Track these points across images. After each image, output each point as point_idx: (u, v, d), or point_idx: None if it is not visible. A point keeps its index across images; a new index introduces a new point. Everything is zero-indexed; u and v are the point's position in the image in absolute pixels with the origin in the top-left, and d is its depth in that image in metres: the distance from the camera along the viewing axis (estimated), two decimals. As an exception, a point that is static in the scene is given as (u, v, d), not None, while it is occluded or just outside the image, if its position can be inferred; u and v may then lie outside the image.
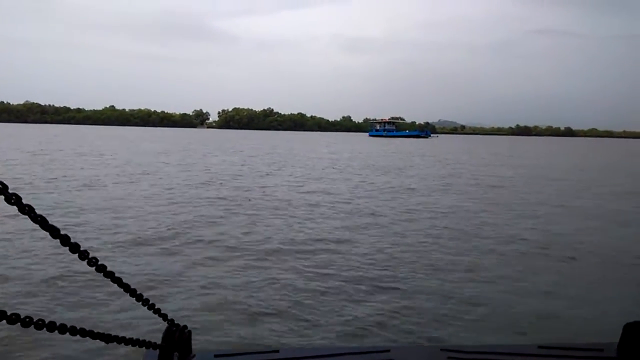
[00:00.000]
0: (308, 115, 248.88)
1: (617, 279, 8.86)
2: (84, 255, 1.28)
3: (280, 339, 5.95)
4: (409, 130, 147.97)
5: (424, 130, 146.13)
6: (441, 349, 1.86)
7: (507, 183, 25.03)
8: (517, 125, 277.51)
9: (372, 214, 14.93)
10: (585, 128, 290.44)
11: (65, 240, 1.17)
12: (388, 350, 1.81)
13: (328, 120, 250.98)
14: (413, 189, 21.66)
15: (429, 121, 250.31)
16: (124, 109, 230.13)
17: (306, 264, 9.22)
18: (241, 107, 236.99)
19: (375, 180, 25.02)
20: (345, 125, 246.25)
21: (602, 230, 13.37)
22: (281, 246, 10.49)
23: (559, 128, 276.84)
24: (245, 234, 11.59)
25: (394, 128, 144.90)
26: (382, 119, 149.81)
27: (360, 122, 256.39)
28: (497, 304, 7.33)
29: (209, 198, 17.19)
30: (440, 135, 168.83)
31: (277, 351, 1.90)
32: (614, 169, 38.80)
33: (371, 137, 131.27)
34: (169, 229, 11.87)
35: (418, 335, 6.06)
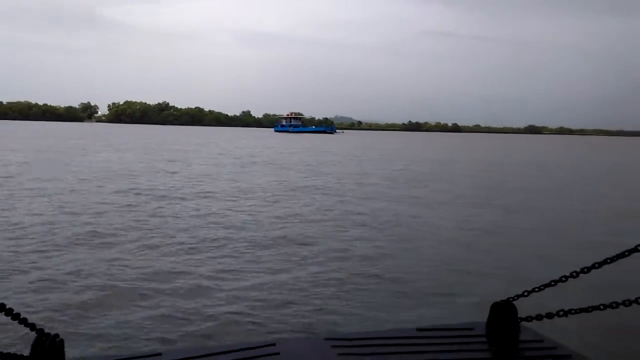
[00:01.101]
0: (206, 109, 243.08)
1: (485, 261, 9.32)
2: None
3: (163, 341, 5.66)
4: (315, 126, 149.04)
5: (329, 126, 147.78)
6: (325, 339, 1.90)
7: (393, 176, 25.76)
8: (409, 121, 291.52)
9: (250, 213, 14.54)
10: (470, 124, 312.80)
11: None
12: (273, 344, 1.83)
13: (227, 115, 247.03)
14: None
15: (327, 117, 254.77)
16: (0, 102, 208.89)
17: (185, 262, 8.76)
18: (134, 100, 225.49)
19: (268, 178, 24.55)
20: (245, 121, 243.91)
21: (469, 216, 14.07)
22: (156, 246, 9.86)
23: (447, 124, 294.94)
24: (120, 234, 10.75)
25: (300, 123, 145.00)
26: (288, 114, 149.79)
27: (259, 117, 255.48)
28: (373, 291, 7.47)
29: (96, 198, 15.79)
30: (345, 131, 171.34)
31: (160, 354, 1.82)
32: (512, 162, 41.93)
33: (277, 133, 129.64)
34: (29, 230, 10.72)
35: (302, 327, 6.09)
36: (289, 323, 6.20)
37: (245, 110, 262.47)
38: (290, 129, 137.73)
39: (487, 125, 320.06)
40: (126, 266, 8.38)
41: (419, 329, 2.02)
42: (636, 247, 1.81)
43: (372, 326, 6.01)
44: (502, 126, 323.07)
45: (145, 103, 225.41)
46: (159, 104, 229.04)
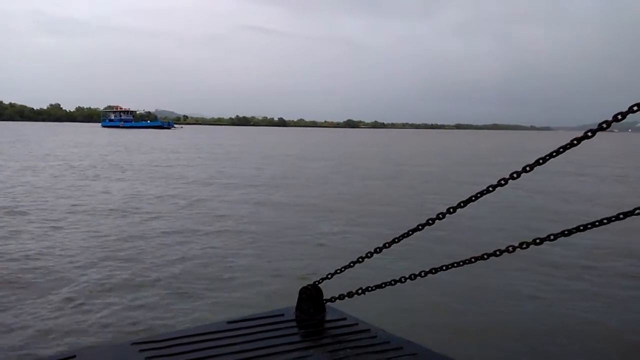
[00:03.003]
0: (6, 102, 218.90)
1: (290, 249, 9.84)
2: None
3: None
4: (149, 121, 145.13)
5: (166, 122, 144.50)
6: (132, 344, 1.87)
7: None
8: (237, 116, 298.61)
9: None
10: (295, 119, 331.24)
11: None
12: (74, 356, 1.71)
13: (33, 109, 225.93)
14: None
15: (149, 111, 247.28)
16: None
17: None
18: None
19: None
20: (55, 115, 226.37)
21: (262, 207, 14.78)
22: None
23: (273, 119, 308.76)
24: None
25: (132, 118, 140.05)
26: (118, 107, 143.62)
27: (72, 110, 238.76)
28: (179, 290, 7.42)
29: None
30: (184, 127, 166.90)
31: None
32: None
33: (106, 128, 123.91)
34: None
35: (107, 334, 5.84)
36: (91, 332, 5.86)
37: (53, 103, 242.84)
38: (121, 124, 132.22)
39: (311, 119, 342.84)
40: None
41: (229, 322, 2.08)
42: (411, 229, 2.14)
43: (183, 325, 5.91)
44: (324, 120, 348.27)
45: None
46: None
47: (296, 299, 2.25)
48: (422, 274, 2.11)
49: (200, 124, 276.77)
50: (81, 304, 6.77)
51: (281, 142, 71.82)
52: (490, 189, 1.95)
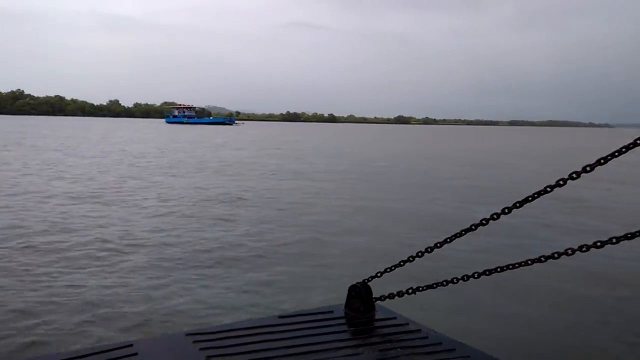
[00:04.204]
0: (68, 98, 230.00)
1: (339, 247, 9.81)
2: None
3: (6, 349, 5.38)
4: (212, 117, 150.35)
5: (228, 117, 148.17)
6: (186, 334, 1.92)
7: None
8: (288, 112, 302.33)
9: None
10: (345, 115, 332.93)
11: None
12: (131, 345, 1.81)
13: (93, 105, 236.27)
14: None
15: (203, 107, 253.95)
16: None
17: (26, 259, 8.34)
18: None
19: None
20: (114, 110, 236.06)
21: (319, 203, 14.98)
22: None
23: (323, 114, 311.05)
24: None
25: (194, 114, 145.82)
26: (175, 104, 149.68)
27: (130, 106, 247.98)
28: (233, 282, 7.64)
29: None
30: (245, 122, 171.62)
31: None
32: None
33: (170, 124, 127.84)
34: None
35: (162, 325, 6.02)
36: (147, 323, 6.06)
37: (112, 99, 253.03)
38: (185, 119, 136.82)
39: (361, 115, 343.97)
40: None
41: (280, 317, 2.12)
42: (464, 229, 2.11)
43: (236, 317, 6.01)
44: (374, 116, 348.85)
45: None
46: (12, 92, 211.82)
47: (345, 297, 2.25)
48: (476, 275, 2.08)
49: (252, 119, 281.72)
50: (141, 292, 7.05)
51: (338, 137, 72.20)
52: (549, 189, 1.91)
